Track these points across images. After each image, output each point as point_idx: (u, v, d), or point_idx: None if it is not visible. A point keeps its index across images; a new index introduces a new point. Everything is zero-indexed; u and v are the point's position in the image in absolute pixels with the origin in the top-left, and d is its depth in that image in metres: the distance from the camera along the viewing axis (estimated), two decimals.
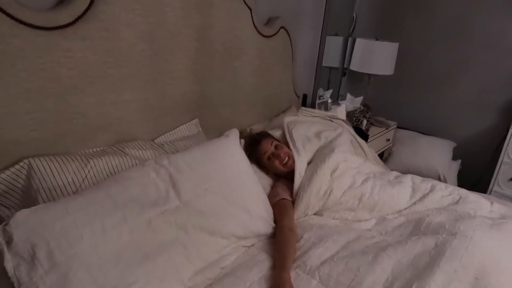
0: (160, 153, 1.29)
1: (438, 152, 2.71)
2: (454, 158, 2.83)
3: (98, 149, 1.21)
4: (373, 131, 2.52)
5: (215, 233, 1.07)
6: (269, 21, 1.88)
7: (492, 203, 1.37)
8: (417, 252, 1.08)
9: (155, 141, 1.39)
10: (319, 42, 2.39)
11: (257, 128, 1.85)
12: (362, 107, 2.66)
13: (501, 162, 2.42)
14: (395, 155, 2.77)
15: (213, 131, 1.63)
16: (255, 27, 1.71)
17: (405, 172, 2.74)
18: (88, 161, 1.10)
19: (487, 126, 2.84)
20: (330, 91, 2.69)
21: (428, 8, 2.89)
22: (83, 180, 1.07)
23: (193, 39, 1.41)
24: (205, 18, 1.42)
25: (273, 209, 1.33)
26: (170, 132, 1.44)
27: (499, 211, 1.33)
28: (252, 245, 1.20)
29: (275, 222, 1.29)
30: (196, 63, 1.45)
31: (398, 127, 2.94)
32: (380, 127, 2.65)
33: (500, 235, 1.13)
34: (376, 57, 2.57)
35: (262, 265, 1.08)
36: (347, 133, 1.73)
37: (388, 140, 2.75)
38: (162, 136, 1.42)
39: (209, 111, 1.59)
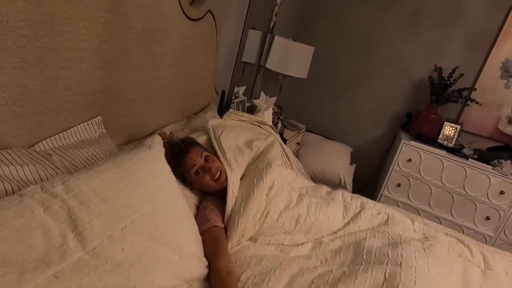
0: (48, 169, 0.87)
1: (340, 157, 2.84)
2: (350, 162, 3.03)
3: None
4: (287, 134, 2.46)
5: None
6: (194, 1, 1.57)
7: (413, 221, 1.43)
8: None
9: (36, 148, 0.95)
10: (240, 34, 2.18)
11: (173, 129, 1.53)
12: (276, 108, 2.57)
13: (392, 170, 2.68)
14: (302, 159, 2.79)
15: (120, 133, 1.25)
16: (180, 5, 1.38)
17: (310, 175, 2.85)
18: None
19: (378, 134, 3.13)
20: (244, 87, 2.51)
21: (340, 18, 2.97)
22: None
23: (103, 8, 1.01)
24: None
25: (202, 237, 1.07)
26: (61, 135, 1.02)
27: (420, 230, 1.39)
28: None
29: (206, 256, 1.04)
30: (104, 42, 1.05)
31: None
32: (293, 130, 2.61)
33: (434, 260, 1.14)
34: (293, 58, 2.50)
35: None
36: (277, 143, 1.58)
37: (298, 143, 2.74)
38: (48, 140, 0.98)
39: (117, 106, 1.20)
